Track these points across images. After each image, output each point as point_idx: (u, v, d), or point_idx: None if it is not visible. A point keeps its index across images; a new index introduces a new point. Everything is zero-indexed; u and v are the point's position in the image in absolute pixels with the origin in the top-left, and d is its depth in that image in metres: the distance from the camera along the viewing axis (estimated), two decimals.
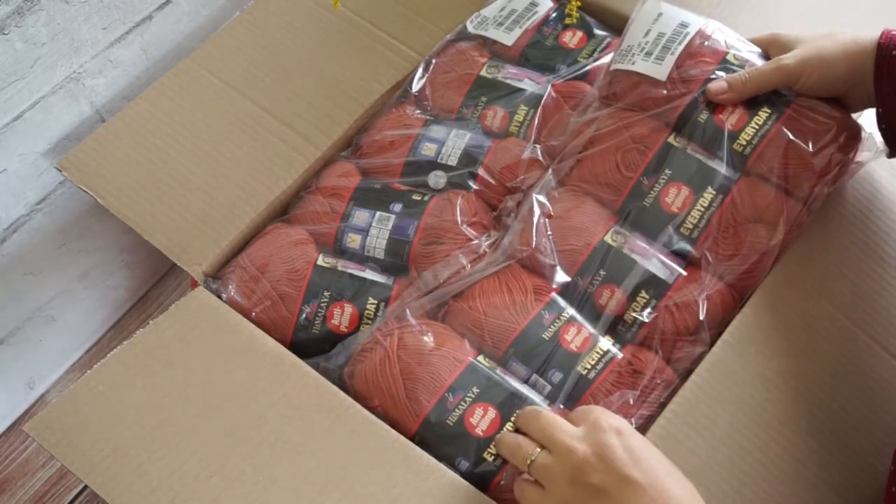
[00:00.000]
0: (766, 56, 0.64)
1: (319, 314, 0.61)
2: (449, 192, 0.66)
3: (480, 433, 0.54)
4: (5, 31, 0.67)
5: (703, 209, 0.61)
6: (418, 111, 0.72)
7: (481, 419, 0.54)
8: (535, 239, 0.61)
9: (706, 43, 0.64)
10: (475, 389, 0.55)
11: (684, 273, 0.60)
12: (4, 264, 0.79)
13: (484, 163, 0.67)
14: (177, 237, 0.65)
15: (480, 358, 0.57)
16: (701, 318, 0.59)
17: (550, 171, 0.66)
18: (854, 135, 0.62)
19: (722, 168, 0.62)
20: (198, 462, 0.54)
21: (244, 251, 0.65)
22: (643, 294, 0.59)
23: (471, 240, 0.63)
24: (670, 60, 0.64)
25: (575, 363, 0.57)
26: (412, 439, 0.55)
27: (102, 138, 0.70)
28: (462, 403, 0.54)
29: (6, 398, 0.91)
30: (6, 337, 0.85)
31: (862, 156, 0.64)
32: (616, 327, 0.60)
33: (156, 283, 1.02)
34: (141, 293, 1.01)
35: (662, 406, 0.57)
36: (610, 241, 0.60)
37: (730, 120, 0.62)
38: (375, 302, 0.62)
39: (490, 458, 0.53)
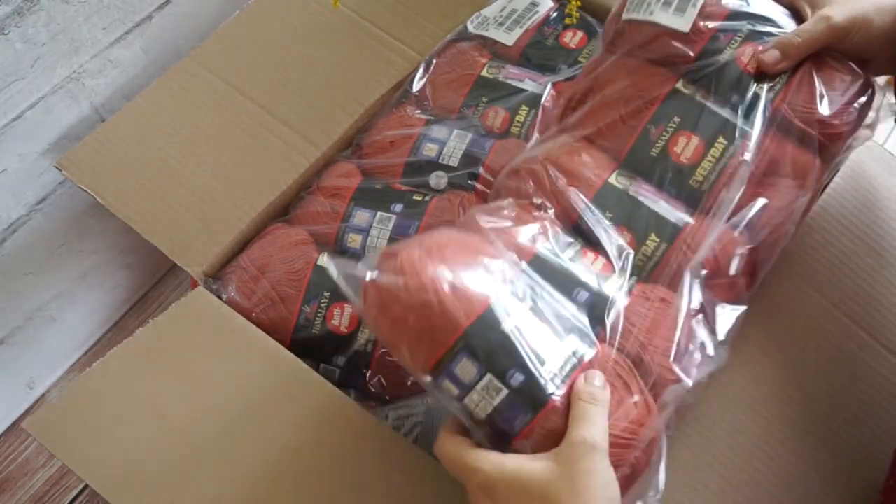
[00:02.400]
0: (791, 7, 0.61)
1: (319, 314, 0.61)
2: (449, 193, 0.66)
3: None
4: (5, 31, 0.67)
5: (714, 160, 0.57)
6: (419, 111, 0.72)
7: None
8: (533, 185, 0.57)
9: None
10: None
11: (692, 221, 0.56)
12: (4, 264, 0.79)
13: (485, 163, 0.67)
14: (177, 237, 0.65)
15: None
16: (731, 270, 0.55)
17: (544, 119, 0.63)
18: (872, 89, 0.60)
19: (736, 118, 0.58)
20: (197, 461, 0.54)
21: (244, 251, 0.65)
22: (654, 237, 0.56)
23: None
24: (693, 11, 0.59)
25: (599, 284, 0.52)
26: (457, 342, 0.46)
27: (102, 137, 0.70)
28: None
29: (6, 398, 0.91)
30: (6, 337, 0.85)
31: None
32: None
33: (156, 283, 1.02)
34: (141, 293, 1.01)
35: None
36: (615, 183, 0.57)
37: (751, 63, 0.58)
38: None
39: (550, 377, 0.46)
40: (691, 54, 0.59)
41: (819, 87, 0.58)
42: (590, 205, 0.56)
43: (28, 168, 0.76)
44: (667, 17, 0.59)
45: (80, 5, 0.72)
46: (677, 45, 0.59)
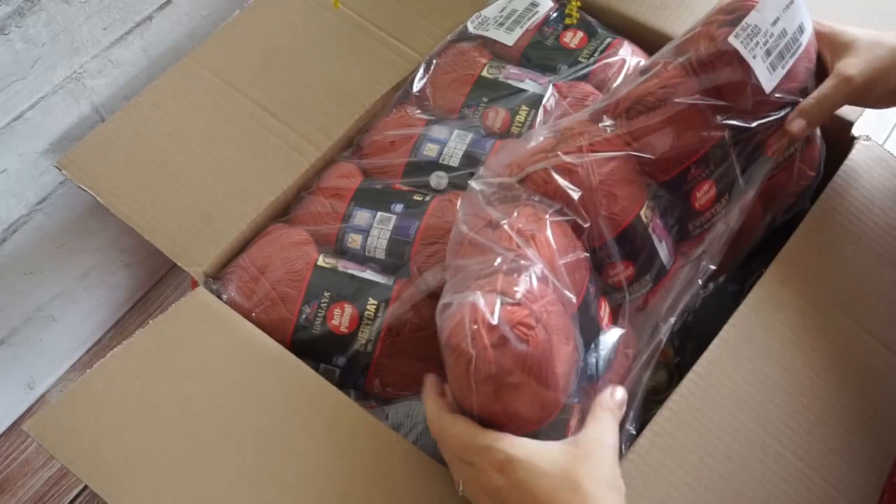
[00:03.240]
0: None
1: (319, 315, 0.61)
2: (450, 193, 0.66)
3: None
4: (6, 31, 0.67)
5: (714, 213, 0.60)
6: (419, 111, 0.72)
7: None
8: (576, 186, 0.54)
9: (806, 66, 0.59)
10: None
11: (672, 264, 0.60)
12: (4, 264, 0.79)
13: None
14: (177, 237, 0.65)
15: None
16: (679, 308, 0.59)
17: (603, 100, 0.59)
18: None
19: (742, 182, 0.60)
20: (197, 462, 0.54)
21: (245, 252, 0.65)
22: (646, 277, 0.58)
23: None
24: (780, 73, 0.57)
25: (608, 343, 0.55)
26: None
27: (102, 137, 0.70)
28: None
29: (6, 398, 0.91)
30: (6, 337, 0.85)
31: None
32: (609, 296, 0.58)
33: (156, 283, 1.02)
34: (141, 293, 1.01)
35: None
36: (643, 217, 0.56)
37: (774, 148, 0.60)
38: (376, 302, 0.62)
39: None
40: (750, 120, 0.58)
41: (791, 178, 0.64)
42: (615, 241, 0.55)
43: (28, 168, 0.76)
44: (762, 69, 0.56)
45: (81, 5, 0.72)
46: (752, 101, 0.57)
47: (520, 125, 0.69)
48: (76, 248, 0.87)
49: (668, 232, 0.60)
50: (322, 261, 0.63)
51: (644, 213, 0.56)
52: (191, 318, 0.61)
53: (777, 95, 0.57)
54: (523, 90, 0.70)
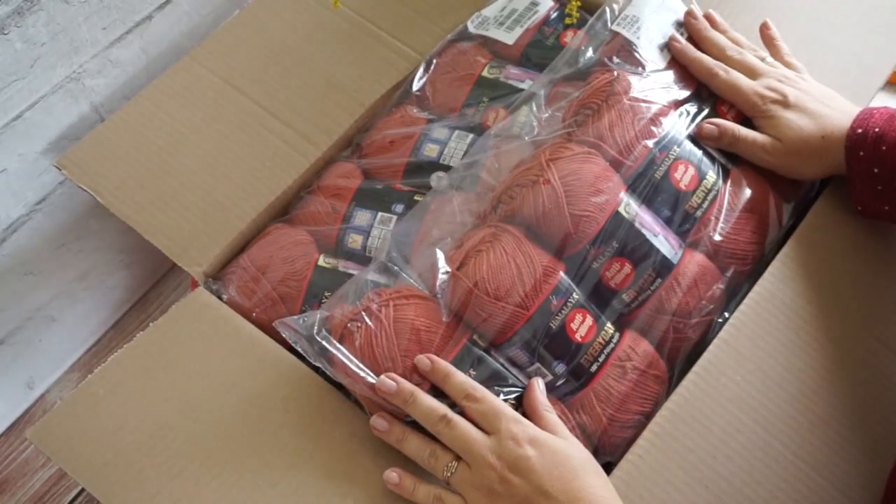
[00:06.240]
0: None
1: None
2: (451, 194, 0.66)
3: None
4: (5, 30, 0.67)
5: (706, 190, 0.61)
6: (419, 111, 0.72)
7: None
8: (543, 200, 0.58)
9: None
10: (471, 372, 0.54)
11: (687, 254, 0.60)
12: (4, 264, 0.79)
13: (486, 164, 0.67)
14: (177, 237, 0.65)
15: (475, 337, 0.56)
16: (704, 301, 0.60)
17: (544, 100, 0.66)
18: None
19: (718, 155, 0.64)
20: (198, 467, 0.54)
21: (245, 252, 0.65)
22: (650, 272, 0.58)
23: None
24: (667, 56, 0.67)
25: (578, 354, 0.56)
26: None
27: (102, 137, 0.70)
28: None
29: (6, 398, 0.91)
30: (6, 337, 0.85)
31: None
32: (613, 302, 0.59)
33: (155, 283, 1.02)
34: (140, 293, 1.01)
35: (656, 402, 0.58)
36: (624, 213, 0.58)
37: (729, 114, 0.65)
38: None
39: None
40: (674, 94, 0.65)
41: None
42: (596, 240, 0.58)
43: (28, 168, 0.76)
44: (649, 50, 0.66)
45: (80, 5, 0.72)
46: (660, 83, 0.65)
47: (520, 125, 0.69)
48: (75, 249, 0.87)
49: (665, 225, 0.60)
50: (322, 261, 0.63)
51: (624, 208, 0.58)
52: (191, 319, 0.61)
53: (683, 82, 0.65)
54: (524, 90, 0.70)
